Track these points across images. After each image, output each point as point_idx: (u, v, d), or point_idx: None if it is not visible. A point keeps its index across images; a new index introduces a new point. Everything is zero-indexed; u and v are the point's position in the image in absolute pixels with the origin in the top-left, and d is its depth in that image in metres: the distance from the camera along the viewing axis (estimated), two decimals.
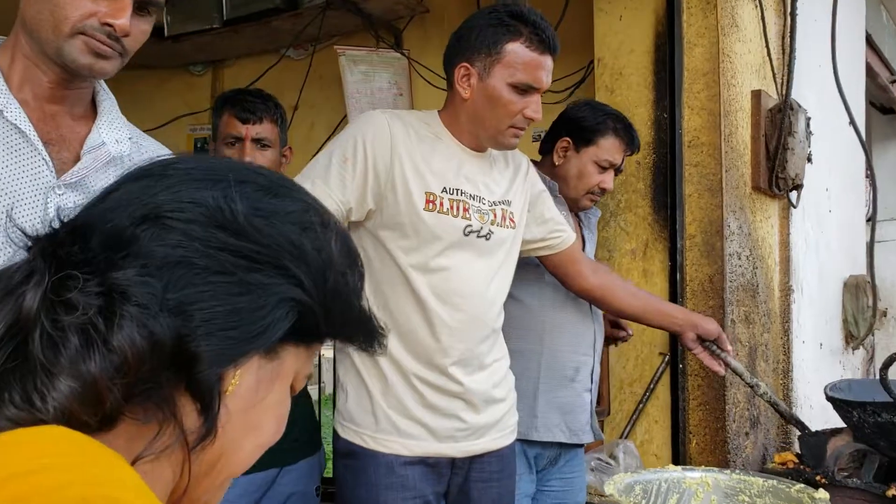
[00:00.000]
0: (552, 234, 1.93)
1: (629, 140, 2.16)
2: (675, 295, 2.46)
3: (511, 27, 1.65)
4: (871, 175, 3.28)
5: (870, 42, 4.27)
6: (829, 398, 1.67)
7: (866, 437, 1.68)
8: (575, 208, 2.22)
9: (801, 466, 1.91)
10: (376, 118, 1.68)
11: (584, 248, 2.25)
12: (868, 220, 3.09)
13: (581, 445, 2.17)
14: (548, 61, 1.68)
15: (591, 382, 2.14)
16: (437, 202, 1.66)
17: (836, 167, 3.34)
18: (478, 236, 1.71)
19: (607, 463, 2.36)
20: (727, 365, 1.97)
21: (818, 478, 1.71)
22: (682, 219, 2.46)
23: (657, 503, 1.60)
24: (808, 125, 2.67)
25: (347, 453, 1.69)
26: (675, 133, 2.48)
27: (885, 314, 3.30)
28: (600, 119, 2.18)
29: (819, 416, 3.06)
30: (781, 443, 2.75)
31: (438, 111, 1.78)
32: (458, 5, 3.15)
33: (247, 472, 0.65)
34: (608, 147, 2.14)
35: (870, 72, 4.37)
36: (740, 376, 1.85)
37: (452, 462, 1.71)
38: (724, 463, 2.39)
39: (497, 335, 1.79)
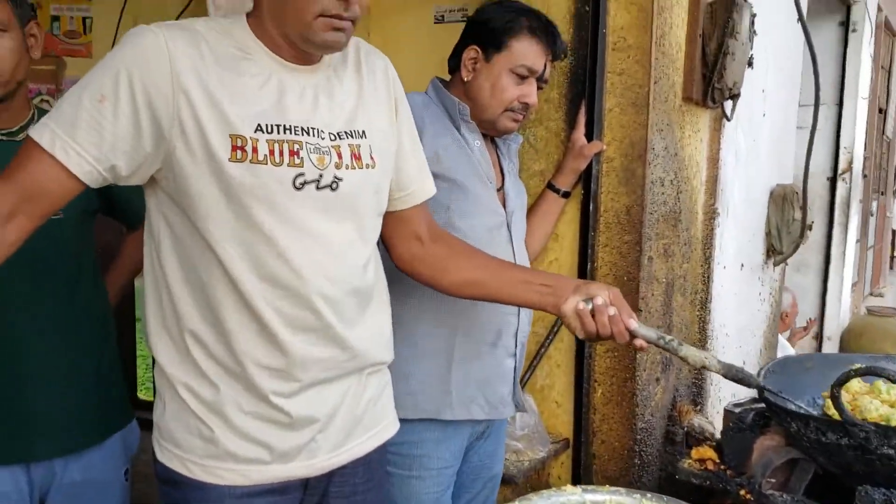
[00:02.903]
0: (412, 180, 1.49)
1: (550, 40, 1.78)
2: (586, 227, 2.11)
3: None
4: (814, 63, 2.88)
5: None
6: (762, 398, 1.38)
7: (803, 448, 1.41)
8: (493, 132, 1.83)
9: (722, 467, 1.65)
10: (146, 36, 1.18)
11: (503, 183, 1.86)
12: (809, 127, 2.73)
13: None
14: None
15: (517, 345, 1.81)
16: (248, 147, 1.19)
17: (772, 64, 2.97)
18: (318, 187, 1.25)
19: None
20: (633, 335, 1.44)
21: (742, 492, 1.45)
22: (600, 137, 2.07)
23: None
24: (752, 24, 2.27)
25: (168, 480, 1.31)
26: (597, 32, 2.05)
27: (810, 228, 3.04)
28: (510, 17, 1.76)
29: (734, 342, 2.85)
30: (693, 380, 2.52)
31: (247, 15, 1.28)
32: None
33: None
34: (524, 50, 1.75)
35: None
36: (654, 343, 1.51)
37: (305, 483, 1.36)
38: (630, 415, 2.14)
39: (364, 302, 1.39)
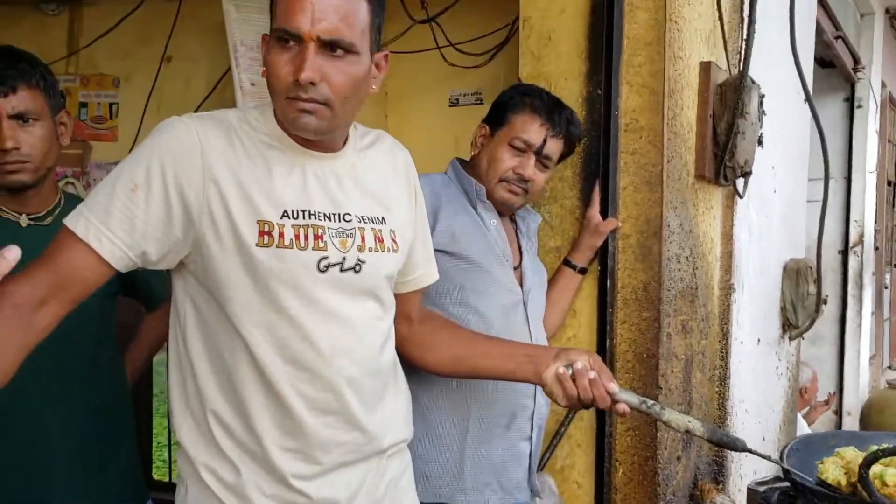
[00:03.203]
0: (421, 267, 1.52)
1: (547, 115, 1.82)
2: (604, 304, 2.12)
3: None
4: (822, 140, 2.92)
5: None
6: (787, 477, 1.37)
7: None
8: (499, 207, 1.87)
9: None
10: (178, 127, 1.22)
11: (520, 261, 1.89)
12: (820, 201, 2.76)
13: None
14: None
15: (533, 428, 1.81)
16: (274, 233, 1.23)
17: (780, 141, 3.03)
18: (341, 270, 1.28)
19: None
20: (614, 399, 1.43)
21: None
22: (615, 215, 2.10)
23: None
24: (761, 104, 2.32)
25: None
26: (610, 113, 2.10)
27: (825, 301, 3.04)
28: (515, 95, 1.86)
29: (753, 418, 2.82)
30: (714, 457, 2.49)
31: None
32: None
33: None
34: (522, 124, 1.82)
35: (816, 27, 4.06)
36: (637, 409, 1.49)
37: None
38: (652, 495, 2.10)
39: (383, 383, 1.40)
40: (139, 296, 1.91)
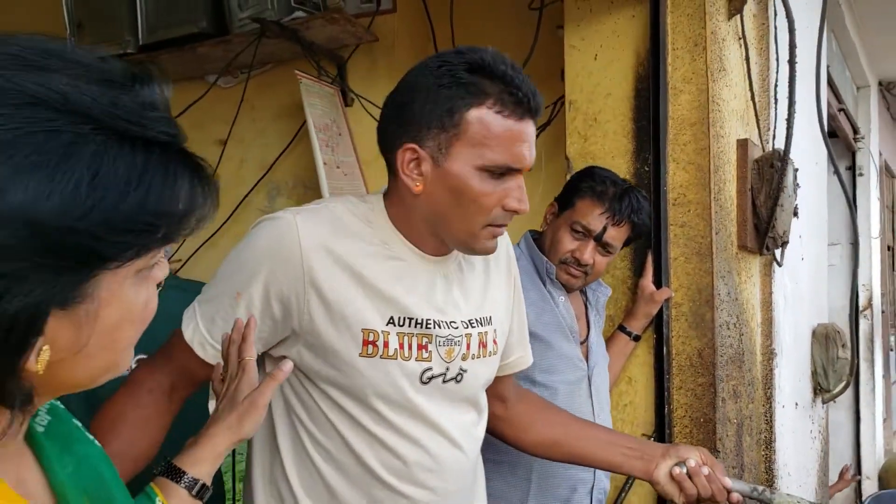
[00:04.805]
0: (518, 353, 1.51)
1: (610, 202, 1.87)
2: (660, 370, 2.20)
3: (472, 87, 1.16)
4: (850, 209, 3.03)
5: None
6: None
7: None
8: (567, 286, 1.93)
9: None
10: (280, 228, 1.19)
11: (587, 335, 1.97)
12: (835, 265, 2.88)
13: None
14: (528, 128, 1.19)
15: (592, 502, 1.85)
16: (379, 342, 1.20)
17: (804, 210, 3.16)
18: (444, 381, 1.26)
19: None
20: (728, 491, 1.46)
21: None
22: (668, 284, 2.20)
23: None
24: (795, 177, 2.46)
25: None
26: (659, 189, 2.22)
27: (857, 365, 3.13)
28: (582, 178, 1.93)
29: (795, 481, 2.87)
30: None
31: (385, 195, 1.29)
32: (409, 34, 2.83)
33: None
34: (583, 208, 1.88)
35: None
36: (748, 496, 1.55)
37: None
38: None
39: (473, 476, 1.41)
40: None
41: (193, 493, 1.02)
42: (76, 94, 0.57)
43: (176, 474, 1.02)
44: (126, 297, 0.64)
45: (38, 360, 0.60)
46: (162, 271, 0.68)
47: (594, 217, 1.87)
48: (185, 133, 0.64)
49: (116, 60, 0.63)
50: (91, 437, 0.80)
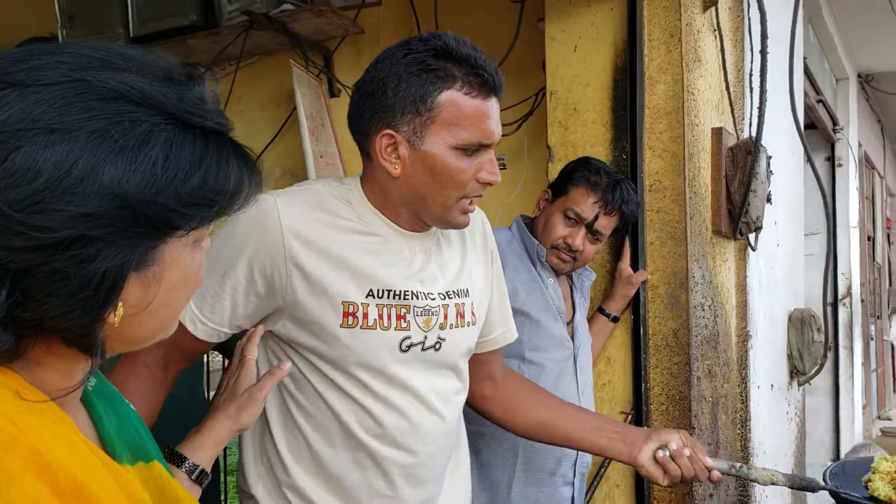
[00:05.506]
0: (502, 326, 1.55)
1: (603, 192, 1.95)
2: (637, 350, 2.29)
3: (440, 72, 1.22)
4: (824, 197, 3.13)
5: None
6: (837, 499, 1.50)
7: None
8: (557, 270, 2.01)
9: None
10: (263, 208, 1.24)
11: (573, 316, 2.05)
12: (813, 255, 2.98)
13: None
14: (494, 105, 1.27)
15: (575, 475, 1.93)
16: (359, 314, 1.26)
17: (780, 197, 3.25)
18: (423, 349, 1.32)
19: None
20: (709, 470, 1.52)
21: None
22: (644, 267, 2.28)
23: None
24: (768, 164, 2.54)
25: None
26: (636, 176, 2.30)
27: (831, 348, 3.22)
28: (577, 167, 2.01)
29: (771, 461, 2.96)
30: (739, 496, 2.62)
31: (361, 178, 1.36)
32: (394, 26, 2.90)
33: None
34: (576, 196, 1.96)
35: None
36: (727, 473, 1.62)
37: None
38: None
39: (452, 445, 1.45)
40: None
41: (193, 477, 1.12)
42: (151, 90, 0.68)
43: (178, 459, 1.12)
44: (185, 262, 0.74)
45: (116, 314, 0.69)
46: (207, 242, 0.78)
47: (587, 205, 1.95)
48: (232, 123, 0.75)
49: (172, 60, 0.73)
50: (126, 399, 0.88)
